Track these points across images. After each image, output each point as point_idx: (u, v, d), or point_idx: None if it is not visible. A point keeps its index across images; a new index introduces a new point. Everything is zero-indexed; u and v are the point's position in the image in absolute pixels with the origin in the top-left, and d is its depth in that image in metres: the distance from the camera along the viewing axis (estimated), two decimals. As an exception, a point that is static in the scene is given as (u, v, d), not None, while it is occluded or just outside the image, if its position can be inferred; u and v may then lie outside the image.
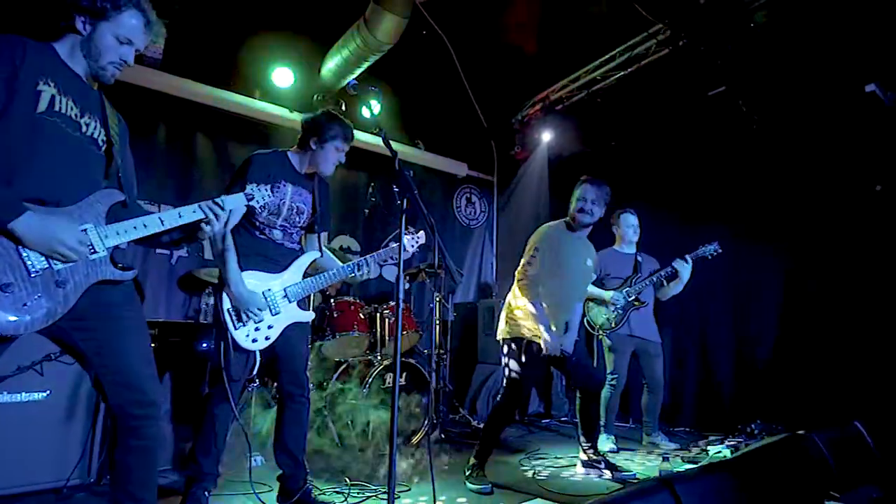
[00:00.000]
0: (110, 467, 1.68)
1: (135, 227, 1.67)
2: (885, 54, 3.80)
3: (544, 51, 5.73)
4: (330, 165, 2.55)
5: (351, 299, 4.01)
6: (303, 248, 2.63)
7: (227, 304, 2.30)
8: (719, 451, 3.34)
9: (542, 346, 2.93)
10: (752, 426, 4.01)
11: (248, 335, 2.33)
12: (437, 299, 4.59)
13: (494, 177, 6.86)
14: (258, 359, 2.41)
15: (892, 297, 3.76)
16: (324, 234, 2.68)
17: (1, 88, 1.48)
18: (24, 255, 1.46)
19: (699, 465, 2.77)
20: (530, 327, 3.02)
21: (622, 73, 5.21)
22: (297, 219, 2.52)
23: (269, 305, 2.38)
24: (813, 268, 4.23)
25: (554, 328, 3.03)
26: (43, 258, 1.48)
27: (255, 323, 2.34)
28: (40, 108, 1.54)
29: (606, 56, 5.32)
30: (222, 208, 1.84)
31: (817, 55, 4.15)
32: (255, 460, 3.17)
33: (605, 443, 3.87)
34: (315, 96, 5.18)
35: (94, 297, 1.59)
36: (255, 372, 2.42)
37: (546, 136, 6.02)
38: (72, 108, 1.63)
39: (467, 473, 2.96)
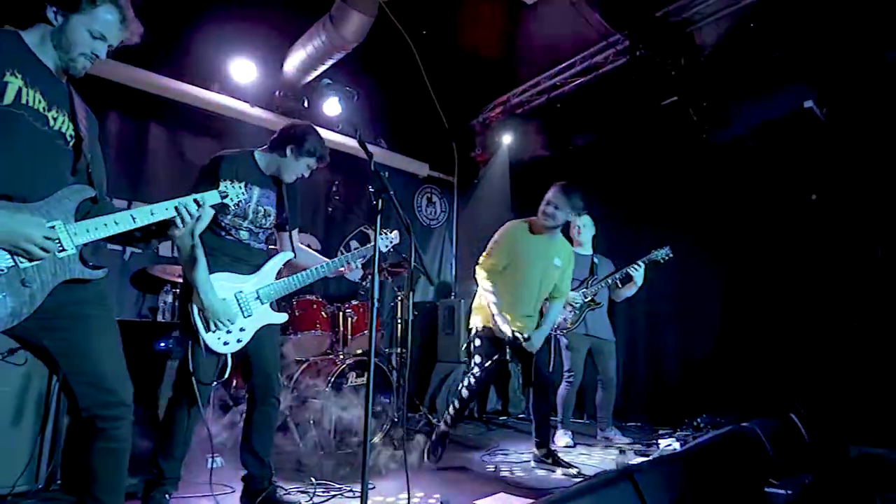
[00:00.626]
0: (78, 471, 1.62)
1: (105, 225, 1.62)
2: (819, 73, 4.10)
3: (506, 56, 5.86)
4: (293, 177, 2.53)
5: (313, 298, 3.98)
6: (269, 247, 2.61)
7: (196, 310, 2.24)
8: (669, 444, 3.52)
9: (496, 331, 3.16)
10: (699, 420, 4.23)
11: (219, 338, 2.28)
12: (399, 298, 4.61)
13: (455, 177, 6.93)
14: (230, 362, 2.37)
15: (824, 297, 4.06)
16: (295, 232, 2.66)
17: None
18: None
19: (654, 457, 2.91)
20: (487, 315, 3.26)
21: (581, 80, 5.38)
22: (264, 221, 2.49)
23: (241, 308, 2.34)
24: (752, 271, 4.51)
25: (508, 317, 3.20)
26: (8, 256, 1.43)
27: (228, 325, 2.29)
28: (6, 101, 1.48)
29: (566, 63, 5.47)
30: (199, 205, 1.80)
31: (760, 71, 4.43)
32: (214, 461, 3.12)
33: (563, 438, 4.00)
34: (277, 92, 5.11)
35: (62, 297, 1.54)
36: (226, 375, 2.38)
37: (507, 139, 6.13)
38: (39, 101, 1.57)
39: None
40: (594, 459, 3.59)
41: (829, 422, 3.62)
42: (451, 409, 3.40)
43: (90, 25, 1.60)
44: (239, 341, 2.35)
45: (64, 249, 1.53)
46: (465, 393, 3.35)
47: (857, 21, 3.85)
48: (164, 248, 4.43)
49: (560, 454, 3.42)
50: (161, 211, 1.75)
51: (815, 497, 2.77)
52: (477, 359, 3.36)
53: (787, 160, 4.34)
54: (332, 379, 3.58)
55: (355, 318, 4.06)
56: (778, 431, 3.18)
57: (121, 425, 1.63)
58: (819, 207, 4.20)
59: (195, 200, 1.80)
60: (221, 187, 1.95)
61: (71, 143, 1.68)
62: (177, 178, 4.69)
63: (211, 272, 2.25)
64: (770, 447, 2.94)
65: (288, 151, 2.47)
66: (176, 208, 1.76)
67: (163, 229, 1.81)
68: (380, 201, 1.95)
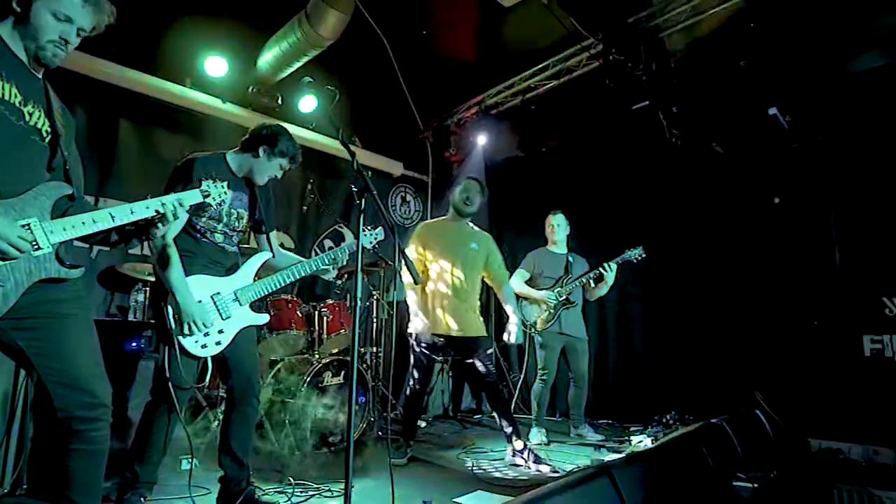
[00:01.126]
0: (50, 473, 1.58)
1: (83, 223, 1.59)
2: (784, 81, 4.26)
3: (480, 56, 5.90)
4: (265, 178, 2.52)
5: (288, 297, 3.94)
6: (240, 250, 2.59)
7: (171, 312, 2.20)
8: (641, 441, 3.61)
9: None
10: (668, 417, 4.35)
11: (197, 341, 2.25)
12: (375, 297, 4.60)
13: (429, 177, 6.94)
14: (210, 365, 2.34)
15: (786, 297, 4.23)
16: (273, 234, 2.63)
17: None
18: None
19: (628, 453, 2.99)
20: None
21: (555, 82, 5.45)
22: (237, 223, 2.48)
23: (218, 310, 2.31)
24: (717, 271, 4.66)
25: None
26: None
27: (205, 328, 2.25)
28: None
29: (540, 66, 5.54)
30: (180, 205, 1.78)
31: (727, 77, 4.58)
32: (185, 463, 3.06)
33: (537, 435, 4.06)
34: (250, 88, 5.03)
35: (37, 296, 1.50)
36: (206, 379, 2.34)
37: (481, 140, 6.17)
38: (15, 96, 1.53)
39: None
40: (568, 456, 3.66)
41: (791, 417, 3.78)
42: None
43: (53, 7, 1.54)
44: (218, 343, 2.32)
45: (39, 248, 1.50)
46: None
47: (821, 33, 4.01)
48: (135, 248, 4.31)
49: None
50: (141, 210, 1.72)
51: (779, 490, 2.89)
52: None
53: (752, 165, 4.50)
54: (308, 378, 3.55)
55: (331, 317, 4.03)
56: (744, 427, 3.31)
57: (99, 427, 1.60)
58: (781, 211, 4.38)
59: (178, 201, 1.78)
60: (203, 186, 1.92)
61: (47, 140, 1.64)
62: (147, 174, 4.57)
63: (187, 275, 2.22)
64: (737, 442, 3.06)
65: (261, 152, 2.45)
66: (161, 207, 1.73)
67: (141, 230, 1.78)
68: (363, 200, 1.95)
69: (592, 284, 4.28)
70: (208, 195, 1.92)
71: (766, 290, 4.35)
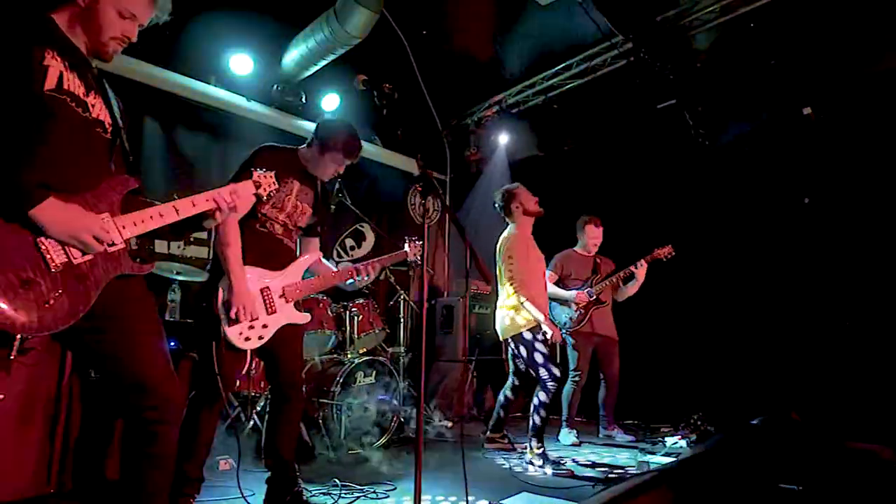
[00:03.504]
0: (123, 473, 1.56)
1: (151, 217, 1.57)
2: (815, 80, 4.24)
3: (501, 55, 5.88)
4: (326, 174, 2.51)
5: (319, 297, 3.91)
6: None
7: (221, 298, 2.19)
8: (675, 442, 3.58)
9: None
10: (695, 417, 4.31)
11: (241, 333, 2.23)
12: (402, 298, 4.58)
13: (447, 176, 6.91)
14: (249, 358, 2.32)
15: (817, 297, 4.20)
16: (315, 240, 2.62)
17: (7, 62, 1.34)
18: (43, 248, 1.33)
19: (680, 457, 2.96)
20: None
21: (578, 81, 5.43)
22: (300, 218, 2.46)
23: (265, 304, 2.30)
24: (746, 271, 4.63)
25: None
26: (62, 252, 1.37)
27: (250, 320, 2.25)
28: (49, 85, 1.40)
29: (563, 64, 5.51)
30: (237, 196, 1.78)
31: (756, 76, 4.56)
32: (223, 463, 3.05)
33: (568, 437, 4.03)
34: (275, 86, 5.01)
35: (109, 294, 1.47)
36: (244, 372, 2.32)
37: (503, 139, 6.15)
38: (79, 87, 1.49)
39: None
40: (603, 458, 3.63)
41: (826, 418, 3.76)
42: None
43: (118, 4, 1.51)
44: (260, 338, 2.31)
45: (114, 243, 1.47)
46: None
47: (853, 30, 3.98)
48: (161, 247, 4.28)
49: (565, 453, 3.47)
50: (202, 202, 1.71)
51: (818, 493, 2.87)
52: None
53: (782, 164, 4.47)
54: (341, 379, 3.53)
55: (360, 317, 4.01)
56: (781, 428, 3.29)
57: (170, 429, 1.58)
58: (812, 210, 4.35)
59: (232, 192, 1.78)
60: (254, 177, 1.92)
61: (109, 131, 1.61)
62: (171, 172, 4.56)
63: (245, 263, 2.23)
64: (777, 445, 3.03)
65: (315, 146, 2.44)
66: (215, 199, 1.72)
67: (197, 221, 1.75)
68: (427, 201, 1.92)
69: (621, 284, 4.24)
70: (259, 186, 1.92)
71: (797, 290, 4.32)
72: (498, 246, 3.62)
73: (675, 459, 2.84)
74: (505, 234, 3.64)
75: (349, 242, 5.77)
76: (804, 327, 4.24)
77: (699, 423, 4.23)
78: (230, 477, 2.88)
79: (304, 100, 5.17)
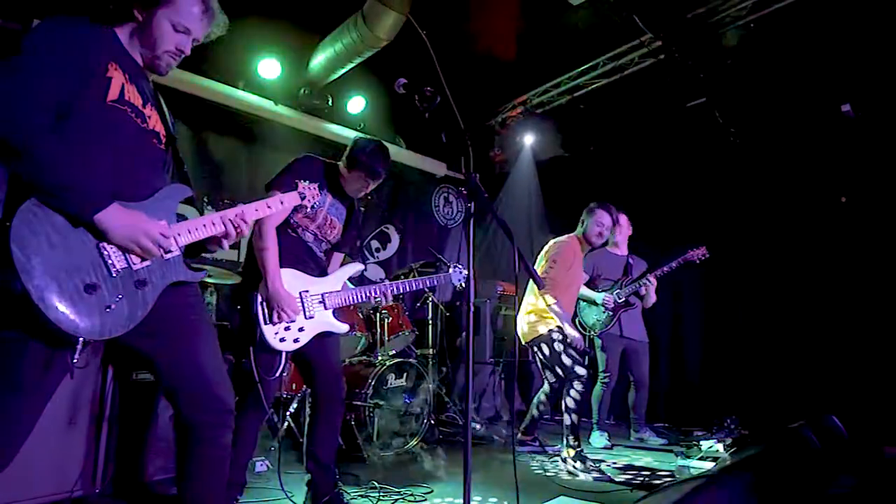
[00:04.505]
0: (178, 478, 1.57)
1: (204, 226, 1.59)
2: (854, 77, 4.14)
3: (525, 55, 5.85)
4: (354, 190, 2.52)
5: (348, 298, 3.92)
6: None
7: (259, 298, 2.22)
8: (711, 446, 3.52)
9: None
10: (728, 421, 4.24)
11: (276, 333, 2.25)
12: (430, 300, 4.58)
13: (467, 175, 6.89)
14: (283, 361, 2.34)
15: (853, 298, 4.10)
16: (339, 256, 2.66)
17: (72, 73, 1.36)
18: (105, 253, 1.36)
19: (729, 463, 2.90)
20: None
21: (605, 80, 5.38)
22: (329, 231, 2.49)
23: (304, 307, 2.31)
24: (779, 272, 4.55)
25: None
26: (123, 257, 1.39)
27: (287, 322, 2.27)
28: (112, 96, 1.44)
29: (589, 64, 5.47)
30: (282, 204, 1.82)
31: (795, 73, 4.47)
32: (259, 465, 3.07)
33: (600, 439, 4.00)
34: (301, 90, 5.05)
35: (164, 301, 1.49)
36: (278, 373, 2.34)
37: (529, 139, 6.12)
38: (137, 98, 1.53)
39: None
40: (638, 461, 3.58)
41: (866, 423, 3.66)
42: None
43: (173, 18, 1.54)
44: (296, 341, 2.32)
45: (170, 250, 1.49)
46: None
47: (893, 23, 3.88)
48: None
49: (597, 456, 3.43)
50: (251, 212, 1.72)
51: (861, 498, 2.80)
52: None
53: (817, 162, 4.38)
54: (373, 381, 3.54)
55: (390, 319, 4.01)
56: (823, 433, 3.21)
57: (225, 433, 1.59)
58: (848, 210, 4.25)
59: (281, 201, 1.81)
60: (300, 188, 1.95)
61: (163, 142, 1.64)
62: (200, 177, 4.61)
63: (281, 268, 2.26)
64: (822, 449, 2.96)
65: (344, 162, 2.46)
66: (267, 209, 1.75)
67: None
68: (471, 205, 1.90)
69: (639, 296, 4.18)
70: (304, 197, 1.95)
71: (832, 291, 4.23)
72: (546, 247, 3.62)
73: (716, 465, 2.77)
74: (561, 238, 3.64)
75: (374, 244, 5.79)
76: (837, 328, 4.15)
77: (733, 426, 4.17)
78: (266, 478, 2.92)
79: (330, 103, 5.19)
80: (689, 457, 3.48)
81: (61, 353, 1.33)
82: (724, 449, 3.48)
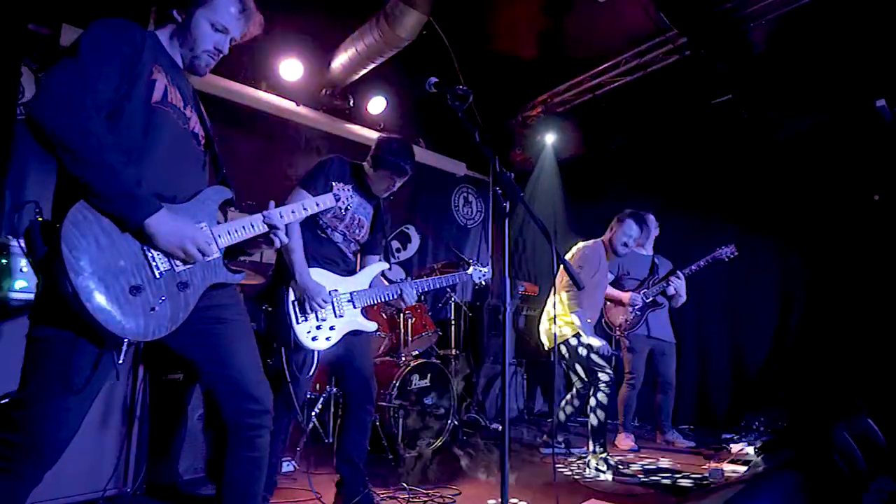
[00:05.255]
0: (216, 479, 1.57)
1: (244, 228, 1.59)
2: (888, 71, 4.04)
3: (546, 54, 5.80)
4: (380, 189, 2.50)
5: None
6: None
7: (291, 297, 2.23)
8: (742, 448, 3.46)
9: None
10: (756, 422, 4.17)
11: (308, 332, 2.26)
12: (452, 300, 4.56)
13: (491, 177, 6.86)
14: (316, 360, 2.34)
15: (883, 297, 4.00)
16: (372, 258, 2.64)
17: (125, 74, 1.39)
18: (149, 255, 1.36)
19: (765, 469, 2.85)
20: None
21: (628, 78, 5.31)
22: (357, 231, 2.49)
23: (333, 306, 2.32)
24: (808, 270, 4.45)
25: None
26: (166, 260, 1.40)
27: (318, 320, 2.27)
28: (155, 98, 1.46)
29: (611, 62, 5.41)
30: (319, 206, 1.82)
31: (819, 68, 4.37)
32: (286, 464, 3.08)
33: (626, 441, 3.95)
34: (323, 90, 5.06)
35: (204, 301, 1.50)
36: (310, 373, 2.34)
37: (550, 139, 6.08)
38: (179, 100, 1.54)
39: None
40: (666, 464, 3.53)
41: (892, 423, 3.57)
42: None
43: (212, 18, 1.56)
44: (327, 339, 2.32)
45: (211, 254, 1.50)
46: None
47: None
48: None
49: (624, 458, 3.39)
50: (288, 214, 1.73)
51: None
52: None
53: (849, 159, 4.28)
54: (397, 382, 3.53)
55: (413, 319, 4.00)
56: (858, 435, 3.14)
57: (263, 433, 1.58)
58: (882, 208, 4.15)
59: (316, 203, 1.81)
60: (335, 190, 1.96)
61: (203, 143, 1.65)
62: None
63: (309, 267, 2.27)
64: (858, 451, 2.89)
65: (370, 161, 2.45)
66: (303, 211, 1.76)
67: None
68: (508, 204, 1.88)
69: (666, 296, 4.10)
70: (339, 199, 1.94)
71: (862, 291, 4.13)
72: (573, 250, 3.60)
73: (749, 468, 2.72)
74: (587, 242, 3.62)
75: (395, 244, 5.79)
76: (865, 327, 4.05)
77: (762, 428, 4.10)
78: (292, 478, 2.93)
79: (351, 103, 5.20)
80: (719, 460, 3.42)
81: (108, 354, 1.34)
82: (755, 452, 3.41)
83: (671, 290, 4.05)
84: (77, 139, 1.24)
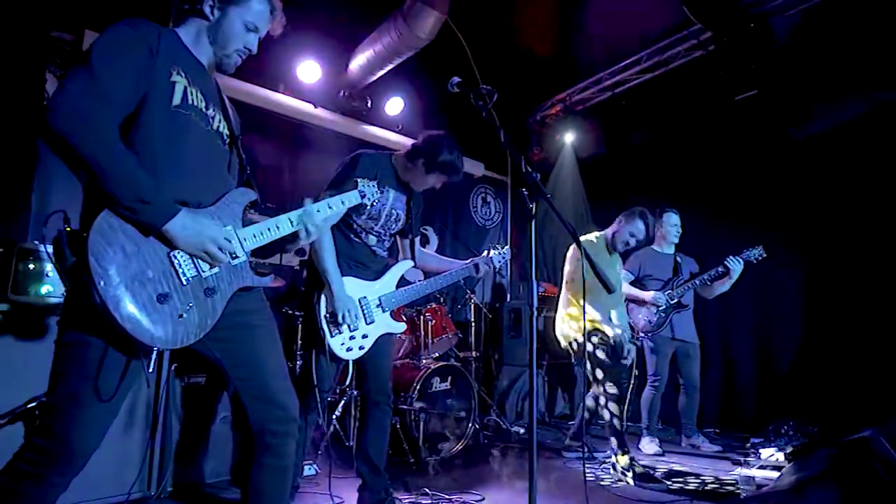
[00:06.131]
0: (241, 484, 1.55)
1: (269, 229, 1.57)
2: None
3: (563, 53, 5.74)
4: (423, 186, 2.49)
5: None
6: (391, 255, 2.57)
7: (323, 311, 2.20)
8: (772, 454, 3.37)
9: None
10: (786, 427, 4.06)
11: (342, 343, 2.24)
12: (472, 301, 4.53)
13: (508, 177, 6.82)
14: (351, 369, 2.34)
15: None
16: (417, 240, 2.60)
17: (142, 77, 1.36)
18: (176, 261, 1.35)
19: (803, 476, 2.77)
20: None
21: (649, 75, 5.24)
22: (394, 226, 2.46)
23: (364, 314, 2.30)
24: (837, 271, 4.33)
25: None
26: (192, 265, 1.38)
27: (351, 331, 2.25)
28: (175, 101, 1.43)
29: (631, 59, 5.33)
30: (343, 204, 1.77)
31: (848, 63, 4.25)
32: (307, 468, 3.07)
33: (650, 445, 3.87)
34: (341, 92, 5.05)
35: (231, 306, 1.48)
36: (347, 381, 2.33)
37: (570, 138, 6.01)
38: (201, 100, 1.51)
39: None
40: (692, 468, 3.45)
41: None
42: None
43: (245, 17, 1.54)
44: (361, 348, 2.32)
45: (237, 256, 1.48)
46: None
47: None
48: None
49: (649, 462, 3.32)
50: (314, 212, 1.69)
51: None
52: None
53: (878, 158, 4.16)
54: (418, 385, 3.50)
55: (433, 321, 3.97)
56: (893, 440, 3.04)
57: (288, 441, 1.56)
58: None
59: (342, 201, 1.77)
60: (360, 186, 1.92)
61: (227, 143, 1.63)
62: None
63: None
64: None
65: (419, 164, 2.40)
66: (329, 210, 1.71)
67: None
68: (534, 205, 1.84)
69: (709, 283, 4.00)
70: (364, 195, 1.91)
71: (890, 292, 4.00)
72: (572, 249, 3.52)
73: (782, 475, 2.63)
74: (590, 236, 3.53)
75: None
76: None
77: (791, 432, 3.99)
78: (315, 482, 2.91)
79: (369, 105, 5.19)
80: (747, 465, 3.34)
81: (136, 362, 1.33)
82: (785, 457, 3.33)
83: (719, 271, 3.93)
84: (89, 149, 1.22)
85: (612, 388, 3.16)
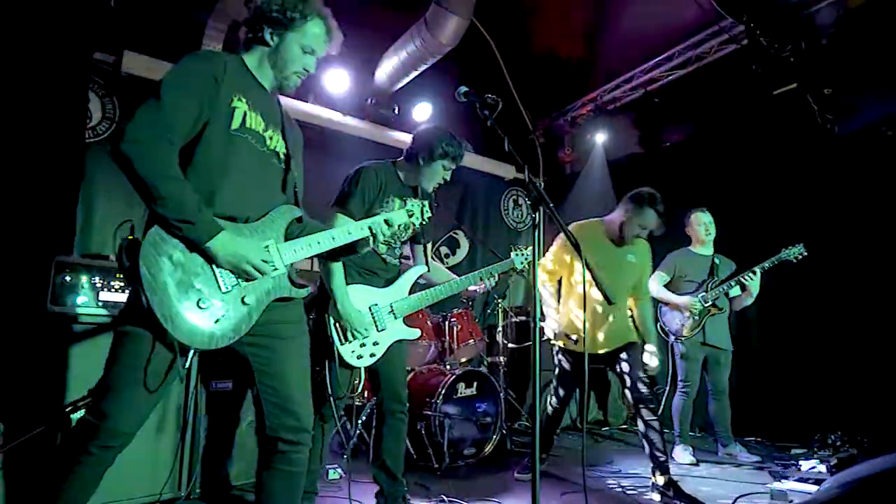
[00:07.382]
0: (255, 488, 1.64)
1: (310, 245, 1.68)
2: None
3: (593, 52, 5.65)
4: (433, 183, 2.49)
5: (417, 306, 3.93)
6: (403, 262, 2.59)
7: (332, 321, 2.24)
8: (813, 467, 3.20)
9: None
10: (833, 437, 3.85)
11: (353, 351, 2.27)
12: (500, 306, 4.50)
13: (540, 179, 6.74)
14: (362, 376, 2.36)
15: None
16: (429, 245, 2.61)
17: (205, 106, 1.50)
18: (217, 272, 1.49)
19: (848, 488, 2.63)
20: None
21: (681, 72, 5.08)
22: (405, 233, 2.46)
23: (375, 321, 2.32)
24: (880, 272, 4.08)
25: None
26: (233, 276, 1.51)
27: (362, 338, 2.28)
28: (234, 126, 1.56)
29: (663, 56, 5.18)
30: (389, 225, 1.84)
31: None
32: (335, 471, 3.12)
33: (683, 454, 3.75)
34: (368, 99, 5.13)
35: (268, 315, 1.59)
36: (358, 390, 2.36)
37: (601, 138, 5.90)
38: (259, 123, 1.64)
39: None
40: (727, 480, 3.32)
41: None
42: None
43: (301, 41, 1.66)
44: (372, 355, 2.33)
45: (276, 269, 1.58)
46: None
47: None
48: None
49: (684, 472, 3.21)
50: (357, 231, 1.79)
51: None
52: None
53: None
54: (443, 390, 3.51)
55: (459, 327, 3.97)
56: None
57: (301, 450, 1.64)
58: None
59: (385, 221, 1.83)
60: (409, 206, 2.00)
61: (283, 161, 1.73)
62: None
63: (348, 283, 2.26)
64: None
65: (420, 161, 2.41)
66: (370, 228, 1.80)
67: (351, 245, 1.81)
68: (539, 212, 1.82)
69: (727, 295, 3.84)
70: (413, 214, 1.98)
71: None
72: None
73: (822, 490, 2.49)
74: (584, 223, 3.34)
75: (444, 250, 5.79)
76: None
77: (838, 443, 3.78)
78: (338, 486, 2.96)
79: (396, 111, 5.24)
80: (785, 477, 3.18)
81: (174, 360, 1.47)
82: (828, 470, 3.15)
83: (735, 291, 3.79)
84: (145, 173, 1.37)
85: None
